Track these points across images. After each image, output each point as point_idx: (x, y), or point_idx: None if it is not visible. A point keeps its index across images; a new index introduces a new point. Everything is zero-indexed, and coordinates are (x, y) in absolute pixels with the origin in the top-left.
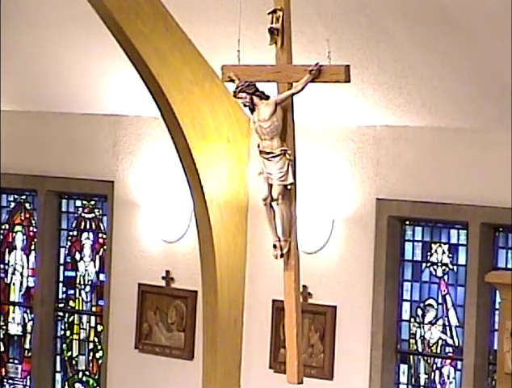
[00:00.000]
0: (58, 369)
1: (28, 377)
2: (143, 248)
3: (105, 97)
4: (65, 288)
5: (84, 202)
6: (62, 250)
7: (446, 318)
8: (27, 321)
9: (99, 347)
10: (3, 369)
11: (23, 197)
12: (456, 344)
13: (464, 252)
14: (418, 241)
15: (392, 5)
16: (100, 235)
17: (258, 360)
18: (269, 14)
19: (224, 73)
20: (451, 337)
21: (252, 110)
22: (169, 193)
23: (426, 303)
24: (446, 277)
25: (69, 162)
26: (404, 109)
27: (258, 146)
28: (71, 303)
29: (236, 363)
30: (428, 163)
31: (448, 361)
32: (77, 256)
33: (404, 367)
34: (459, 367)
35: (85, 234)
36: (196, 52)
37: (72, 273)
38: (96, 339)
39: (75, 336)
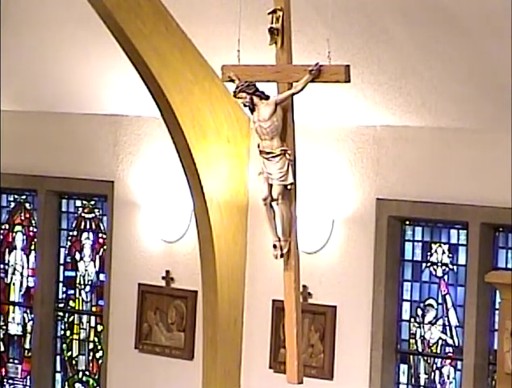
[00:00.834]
0: (58, 369)
1: (28, 377)
2: (143, 248)
3: (105, 97)
4: (65, 288)
5: (84, 202)
6: (62, 250)
7: (446, 318)
8: (27, 321)
9: (99, 347)
10: (3, 369)
11: (23, 197)
12: (456, 344)
13: (464, 252)
14: (418, 241)
15: (392, 5)
16: (100, 235)
17: (258, 360)
18: (269, 14)
19: (224, 73)
20: (451, 337)
21: (252, 110)
22: (169, 193)
23: (426, 303)
24: (446, 277)
25: (69, 162)
26: (405, 109)
27: (258, 146)
28: (71, 303)
29: (236, 363)
30: (428, 163)
31: (448, 361)
32: (77, 256)
33: (404, 367)
34: (459, 367)
35: (85, 234)
36: (196, 52)
37: (72, 273)
38: (96, 339)
39: (75, 336)
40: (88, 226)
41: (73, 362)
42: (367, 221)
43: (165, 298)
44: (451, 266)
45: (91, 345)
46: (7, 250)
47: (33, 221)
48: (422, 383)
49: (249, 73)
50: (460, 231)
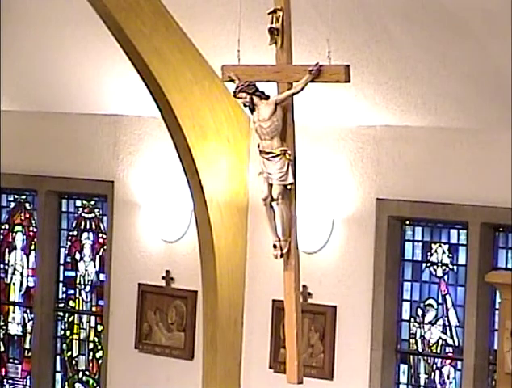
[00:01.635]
0: (58, 369)
1: (28, 377)
2: (143, 248)
3: (105, 97)
4: (65, 288)
5: (84, 202)
6: (62, 250)
7: (446, 318)
8: (27, 321)
9: (99, 347)
10: (3, 369)
11: (23, 197)
12: (456, 344)
13: (464, 252)
14: (418, 241)
15: (392, 5)
16: (100, 235)
17: (258, 360)
18: (269, 14)
19: (224, 73)
20: (451, 337)
21: (252, 110)
22: (169, 193)
23: (426, 303)
24: (446, 277)
25: (69, 162)
26: (405, 109)
27: (258, 146)
28: (71, 303)
29: (236, 363)
30: (428, 163)
31: (448, 361)
32: (77, 256)
33: (404, 367)
34: (459, 367)
35: (85, 234)
36: (196, 52)
37: (72, 273)
38: (96, 339)
39: (75, 336)
40: (88, 226)
41: (73, 362)
42: (367, 221)
43: (165, 298)
44: (451, 266)
45: (91, 345)
46: (7, 250)
47: (33, 221)
48: (422, 383)
49: (249, 73)
50: (460, 231)
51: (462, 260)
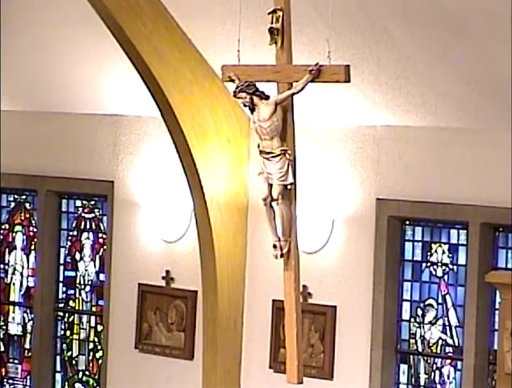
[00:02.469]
0: (58, 368)
1: (28, 377)
2: (143, 248)
3: (105, 97)
4: (65, 288)
5: (84, 202)
6: (62, 250)
7: (446, 318)
8: (27, 321)
9: (99, 347)
10: (3, 369)
11: (23, 197)
12: (456, 344)
13: (464, 252)
14: (418, 241)
15: (392, 5)
16: (100, 235)
17: (258, 360)
18: (269, 14)
19: (224, 73)
20: (451, 337)
21: (252, 110)
22: (169, 193)
23: (426, 303)
24: (446, 277)
25: (69, 162)
26: (405, 109)
27: (258, 146)
28: (71, 303)
29: (236, 363)
30: (428, 163)
31: (448, 361)
32: (77, 256)
33: (404, 367)
34: (459, 367)
35: (85, 234)
36: (196, 52)
37: (72, 273)
38: (96, 339)
39: (75, 336)
40: (88, 226)
41: (73, 362)
42: (367, 221)
43: (165, 298)
44: (451, 266)
45: (91, 345)
46: (7, 250)
47: (33, 221)
48: (422, 383)
49: (249, 73)
50: (460, 231)
51: (462, 260)
